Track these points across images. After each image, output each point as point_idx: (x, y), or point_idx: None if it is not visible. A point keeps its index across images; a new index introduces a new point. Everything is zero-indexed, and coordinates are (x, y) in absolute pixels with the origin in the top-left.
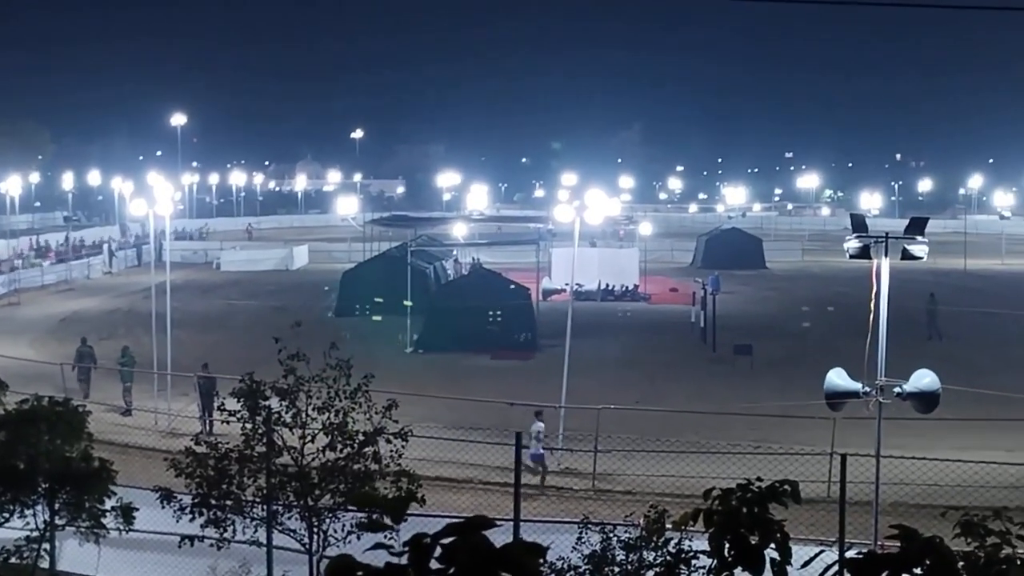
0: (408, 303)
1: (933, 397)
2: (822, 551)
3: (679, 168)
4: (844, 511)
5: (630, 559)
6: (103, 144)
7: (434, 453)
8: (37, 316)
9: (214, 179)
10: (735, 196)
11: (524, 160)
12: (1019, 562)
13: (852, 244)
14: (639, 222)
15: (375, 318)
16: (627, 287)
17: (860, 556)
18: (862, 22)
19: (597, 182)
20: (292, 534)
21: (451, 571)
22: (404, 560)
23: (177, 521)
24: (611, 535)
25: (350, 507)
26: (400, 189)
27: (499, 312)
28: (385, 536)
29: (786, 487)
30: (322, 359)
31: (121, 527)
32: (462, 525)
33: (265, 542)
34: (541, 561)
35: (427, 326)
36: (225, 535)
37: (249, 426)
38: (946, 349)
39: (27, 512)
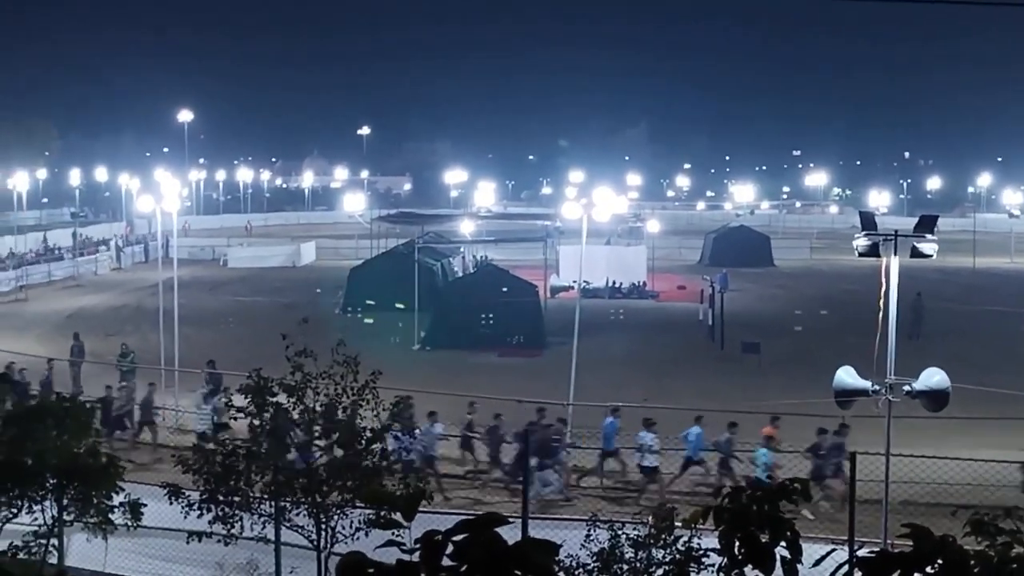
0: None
1: (943, 395)
2: (833, 550)
3: (686, 166)
4: (854, 509)
5: (639, 557)
6: (110, 140)
7: (441, 450)
8: (44, 312)
9: (221, 175)
10: (743, 194)
11: (531, 157)
12: None
13: (861, 242)
14: (646, 220)
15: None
16: (635, 284)
17: (871, 555)
18: (872, 19)
19: (604, 179)
20: (300, 530)
21: (463, 568)
22: (415, 557)
23: (185, 517)
24: (620, 533)
25: (358, 504)
26: (407, 186)
27: (506, 309)
28: (395, 533)
29: (796, 485)
30: (329, 356)
31: (129, 523)
32: (474, 522)
33: (273, 538)
34: (554, 558)
35: (434, 323)
36: (233, 531)
37: (257, 422)
38: (953, 347)
39: (35, 508)
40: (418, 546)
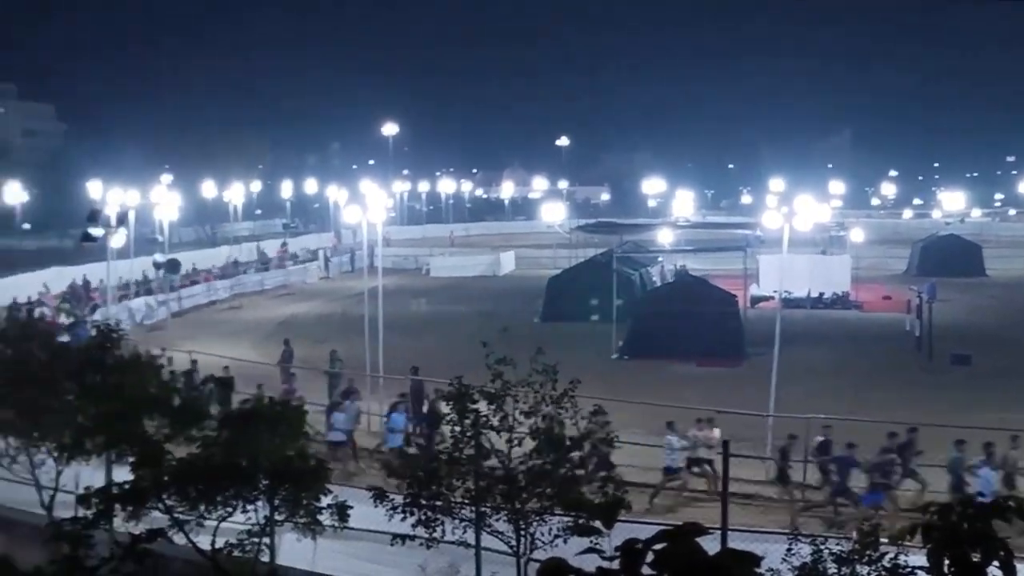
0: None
1: None
2: None
3: (893, 173)
4: None
5: (843, 573)
6: (319, 153)
7: (640, 459)
8: (258, 319)
9: (424, 187)
10: (952, 201)
11: (731, 166)
12: None
13: None
14: (850, 228)
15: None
16: (838, 294)
17: None
18: None
19: (806, 188)
20: (500, 536)
21: None
22: (615, 565)
23: (389, 520)
24: (822, 547)
25: (557, 511)
26: (605, 196)
27: (705, 319)
28: (594, 540)
29: (1011, 503)
30: (528, 364)
31: (336, 524)
32: (674, 531)
33: (473, 543)
34: (755, 570)
35: (632, 332)
36: (435, 535)
37: (458, 429)
38: None
39: (249, 507)
40: (618, 554)
